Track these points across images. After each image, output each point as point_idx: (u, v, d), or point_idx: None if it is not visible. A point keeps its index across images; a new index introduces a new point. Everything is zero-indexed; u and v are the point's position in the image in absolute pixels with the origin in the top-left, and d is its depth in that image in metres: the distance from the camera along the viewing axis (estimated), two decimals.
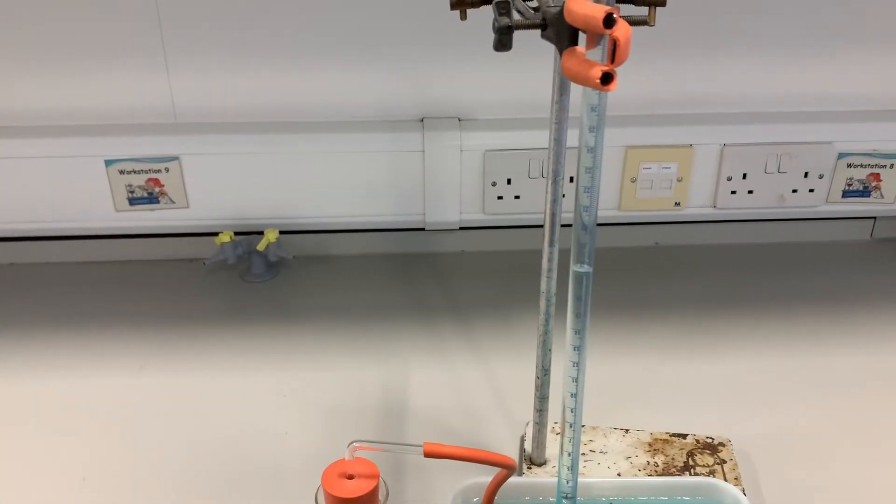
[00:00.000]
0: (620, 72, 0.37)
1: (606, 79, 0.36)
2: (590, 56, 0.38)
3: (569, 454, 0.48)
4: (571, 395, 0.46)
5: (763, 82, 0.87)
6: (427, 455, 0.45)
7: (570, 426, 0.47)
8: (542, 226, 0.55)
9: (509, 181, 0.88)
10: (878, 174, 0.89)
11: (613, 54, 0.36)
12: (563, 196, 0.54)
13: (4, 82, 0.84)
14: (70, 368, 0.76)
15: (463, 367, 0.76)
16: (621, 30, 0.36)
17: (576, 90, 0.46)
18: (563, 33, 0.40)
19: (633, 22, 0.45)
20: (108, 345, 0.79)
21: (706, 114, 0.88)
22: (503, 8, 0.43)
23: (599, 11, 0.35)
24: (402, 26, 0.83)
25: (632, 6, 0.47)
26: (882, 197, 0.91)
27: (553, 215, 0.54)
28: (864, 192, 0.90)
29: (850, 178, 0.89)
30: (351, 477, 0.45)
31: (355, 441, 0.45)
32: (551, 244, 0.55)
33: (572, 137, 0.51)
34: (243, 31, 0.83)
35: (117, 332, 0.81)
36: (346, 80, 0.86)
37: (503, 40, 0.42)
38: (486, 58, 0.84)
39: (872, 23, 0.84)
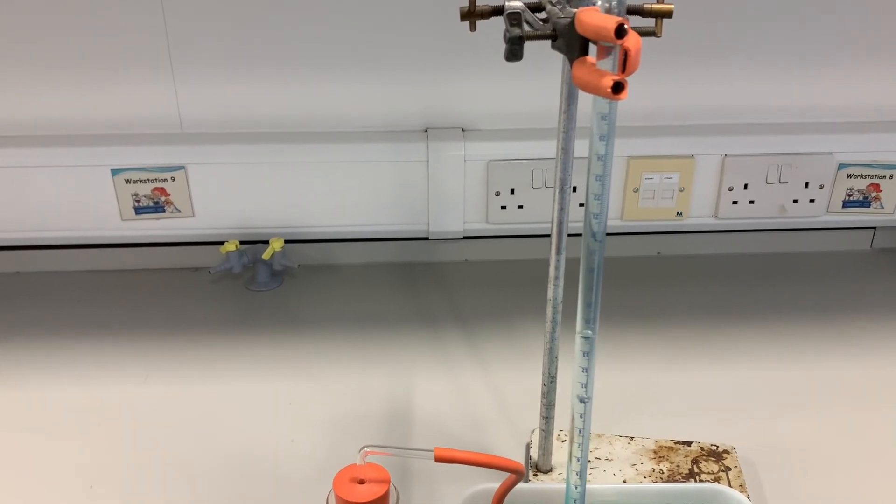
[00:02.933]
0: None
1: (617, 88, 0.37)
2: (600, 66, 0.39)
3: (577, 459, 0.48)
4: (580, 401, 0.47)
5: (764, 93, 0.88)
6: (438, 460, 0.46)
7: (580, 432, 0.47)
8: (545, 235, 0.56)
9: (513, 191, 0.88)
10: (877, 185, 0.90)
11: (624, 64, 0.37)
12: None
13: (12, 92, 0.84)
14: (76, 377, 0.76)
15: (467, 375, 0.76)
16: (632, 40, 0.37)
17: (583, 100, 0.47)
18: (573, 44, 0.41)
19: (641, 33, 0.45)
20: (114, 353, 0.79)
21: (708, 125, 0.89)
22: (514, 19, 0.43)
23: (611, 22, 0.36)
24: (406, 38, 0.84)
25: (639, 17, 0.48)
26: (882, 207, 0.91)
27: (560, 223, 0.55)
28: (864, 203, 0.91)
29: (851, 189, 0.90)
30: (362, 482, 0.45)
31: (367, 446, 0.45)
32: (558, 252, 0.55)
33: (579, 148, 0.51)
34: (249, 43, 0.83)
35: (123, 340, 0.81)
36: (351, 90, 0.86)
37: (514, 50, 0.43)
38: (490, 69, 0.85)
39: (873, 35, 0.85)
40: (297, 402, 0.73)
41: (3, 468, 0.66)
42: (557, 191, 0.54)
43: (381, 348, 0.80)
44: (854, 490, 0.63)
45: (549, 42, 0.43)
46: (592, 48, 0.41)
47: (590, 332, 0.45)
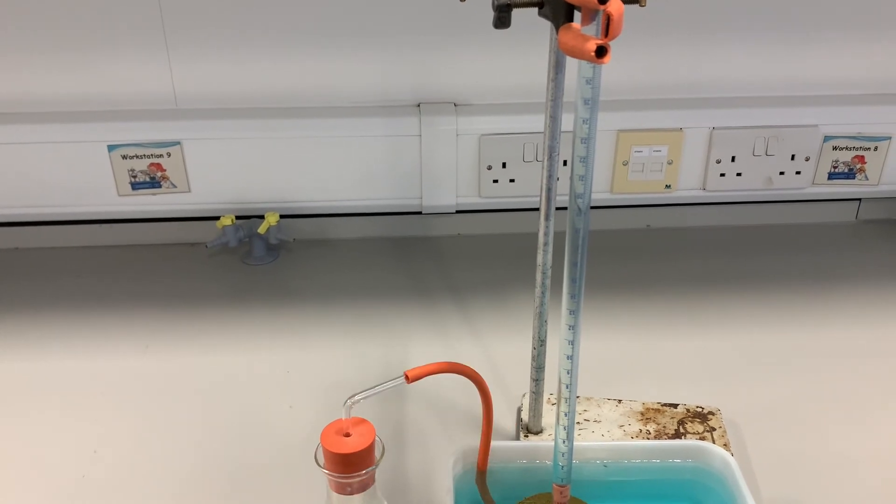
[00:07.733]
0: (613, 57, 0.39)
1: (601, 52, 0.38)
2: (585, 32, 0.40)
3: (565, 414, 0.50)
4: (567, 357, 0.48)
5: (751, 67, 0.90)
6: (410, 380, 0.48)
7: (567, 387, 0.49)
8: (536, 209, 0.57)
9: (504, 165, 0.90)
10: (862, 157, 0.92)
11: (607, 29, 0.39)
12: (558, 179, 0.56)
13: (8, 69, 0.85)
14: (77, 350, 0.77)
15: (460, 344, 0.78)
16: (614, 5, 0.38)
17: (570, 70, 0.48)
18: (559, 10, 0.42)
19: (625, 0, 0.47)
20: (114, 327, 0.80)
21: (696, 98, 0.90)
22: None
23: None
24: (398, 13, 0.85)
25: None
26: (867, 179, 0.93)
27: (549, 190, 0.56)
28: (850, 175, 0.93)
29: (836, 161, 0.92)
30: (348, 434, 0.47)
31: (350, 397, 0.47)
32: (547, 218, 0.57)
33: (567, 122, 0.53)
34: (243, 19, 0.84)
35: (122, 314, 0.82)
36: (344, 66, 0.87)
37: (502, 17, 0.44)
38: (482, 44, 0.86)
39: (858, 8, 0.87)
40: (295, 370, 0.75)
41: (7, 438, 0.67)
42: (546, 158, 0.55)
43: (375, 319, 0.82)
44: (833, 449, 0.65)
45: (541, 20, 0.45)
46: (577, 15, 0.42)
47: (576, 289, 0.47)
